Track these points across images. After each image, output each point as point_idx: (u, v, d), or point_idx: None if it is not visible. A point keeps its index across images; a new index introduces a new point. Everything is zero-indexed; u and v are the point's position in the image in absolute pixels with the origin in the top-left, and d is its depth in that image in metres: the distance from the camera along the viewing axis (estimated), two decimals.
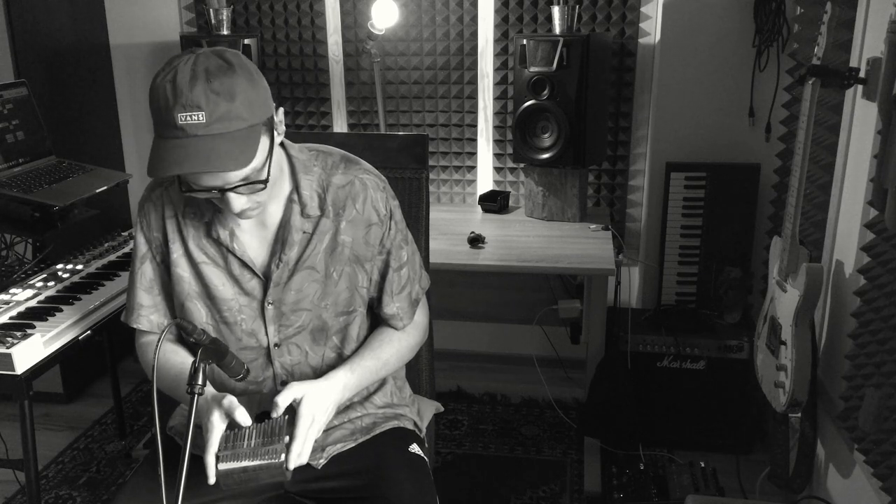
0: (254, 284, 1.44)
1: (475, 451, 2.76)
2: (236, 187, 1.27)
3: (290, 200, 1.43)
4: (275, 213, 1.43)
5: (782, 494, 2.33)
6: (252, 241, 1.44)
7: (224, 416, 1.31)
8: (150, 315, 1.50)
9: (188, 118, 1.19)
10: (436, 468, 1.81)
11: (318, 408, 1.35)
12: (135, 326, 1.51)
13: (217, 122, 1.20)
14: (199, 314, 1.46)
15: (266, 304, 1.44)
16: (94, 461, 2.73)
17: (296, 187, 1.42)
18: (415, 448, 1.56)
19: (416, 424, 1.64)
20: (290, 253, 1.42)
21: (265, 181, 1.29)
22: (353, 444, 1.52)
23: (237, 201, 1.30)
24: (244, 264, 1.43)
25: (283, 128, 1.36)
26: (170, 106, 1.19)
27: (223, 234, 1.42)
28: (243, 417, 1.30)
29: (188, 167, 1.21)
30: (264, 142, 1.28)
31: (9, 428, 2.58)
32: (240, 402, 1.32)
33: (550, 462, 2.68)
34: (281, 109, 1.35)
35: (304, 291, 1.44)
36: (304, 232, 1.43)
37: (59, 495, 2.54)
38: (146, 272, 1.49)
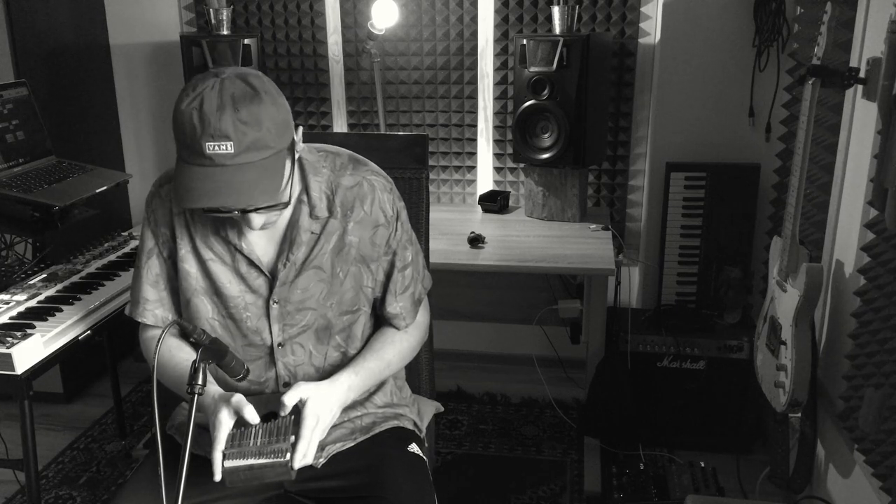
0: (260, 283, 1.45)
1: (475, 451, 2.76)
2: (258, 209, 1.30)
3: (299, 201, 1.43)
4: (284, 213, 1.43)
5: (782, 494, 2.33)
6: (260, 240, 1.45)
7: (232, 414, 1.31)
8: (155, 310, 1.51)
9: (216, 148, 1.20)
10: (436, 468, 1.81)
11: (322, 409, 1.36)
12: (140, 321, 1.52)
13: (245, 151, 1.22)
14: (206, 310, 1.46)
15: (271, 302, 1.44)
16: (94, 461, 2.73)
17: (305, 188, 1.43)
18: (414, 448, 1.56)
19: (415, 424, 1.64)
20: (297, 253, 1.43)
21: (287, 203, 1.33)
22: (352, 444, 1.52)
23: (258, 220, 1.33)
24: (251, 263, 1.44)
25: (302, 145, 1.39)
26: (197, 135, 1.20)
27: (231, 233, 1.43)
28: (252, 415, 1.31)
29: (220, 201, 1.23)
30: (287, 165, 1.31)
31: (9, 428, 2.58)
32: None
33: (550, 462, 2.68)
34: (300, 128, 1.37)
35: (310, 291, 1.45)
36: (313, 232, 1.44)
37: (59, 495, 2.55)
38: (152, 267, 1.49)
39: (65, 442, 2.85)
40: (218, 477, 1.27)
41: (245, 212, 1.30)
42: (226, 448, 1.29)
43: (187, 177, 1.23)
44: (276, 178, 1.27)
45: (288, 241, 1.44)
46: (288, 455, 1.29)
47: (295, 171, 1.41)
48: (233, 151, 1.21)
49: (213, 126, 1.20)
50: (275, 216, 1.37)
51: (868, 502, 1.86)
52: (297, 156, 1.37)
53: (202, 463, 1.30)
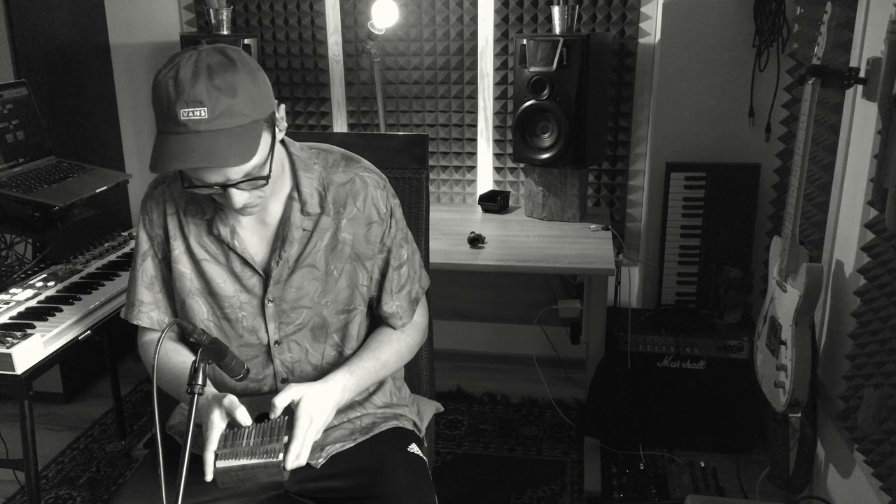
0: (254, 282, 1.45)
1: (475, 451, 2.76)
2: (238, 183, 1.28)
3: (290, 198, 1.43)
4: (275, 210, 1.43)
5: (782, 494, 2.33)
6: (253, 238, 1.45)
7: (225, 414, 1.31)
8: (150, 312, 1.50)
9: (190, 114, 1.20)
10: (436, 468, 1.81)
11: (316, 409, 1.36)
12: (135, 323, 1.52)
13: (219, 117, 1.20)
14: (201, 311, 1.46)
15: (266, 301, 1.44)
16: (94, 461, 2.73)
17: (296, 185, 1.43)
18: (414, 448, 1.56)
19: (415, 424, 1.64)
20: (290, 250, 1.43)
21: (266, 177, 1.30)
22: (352, 444, 1.52)
23: (239, 197, 1.31)
24: (245, 261, 1.44)
25: (285, 124, 1.37)
26: (172, 101, 1.20)
27: (224, 232, 1.42)
28: (243, 417, 1.30)
29: (190, 162, 1.21)
30: (266, 138, 1.29)
31: (9, 428, 2.58)
32: (241, 402, 1.32)
33: (550, 462, 2.68)
34: (282, 106, 1.36)
35: (305, 289, 1.45)
36: (304, 230, 1.43)
37: (59, 495, 2.55)
38: (147, 269, 1.49)
39: (65, 442, 2.85)
40: (210, 477, 1.27)
41: (225, 187, 1.28)
42: (218, 448, 1.29)
43: (162, 144, 1.22)
44: (251, 145, 1.25)
45: (280, 238, 1.43)
46: (280, 455, 1.28)
47: (284, 160, 1.41)
48: (206, 117, 1.20)
49: (187, 92, 1.19)
50: (257, 198, 1.34)
51: (868, 502, 1.86)
52: (279, 135, 1.35)
53: (201, 463, 1.30)
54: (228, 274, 1.45)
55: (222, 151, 1.22)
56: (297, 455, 1.31)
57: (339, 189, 1.45)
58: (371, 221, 1.47)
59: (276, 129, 1.33)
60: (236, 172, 1.26)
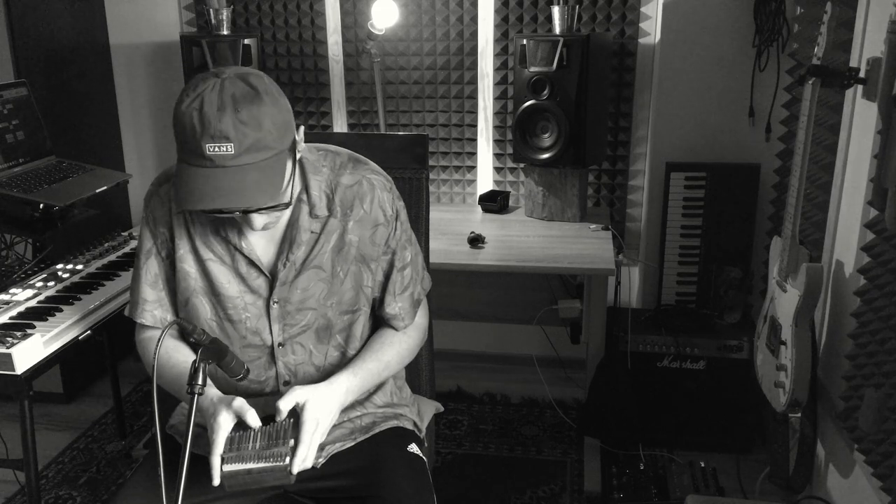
0: (260, 283, 1.45)
1: (475, 451, 2.76)
2: (260, 209, 1.30)
3: (299, 200, 1.43)
4: (284, 212, 1.43)
5: (782, 494, 2.34)
6: (260, 240, 1.45)
7: (232, 417, 1.31)
8: (153, 310, 1.50)
9: (216, 149, 1.20)
10: (436, 468, 1.81)
11: (321, 412, 1.36)
12: (138, 321, 1.51)
13: (245, 152, 1.21)
14: (204, 310, 1.46)
15: (271, 302, 1.44)
16: (94, 461, 2.73)
17: (305, 187, 1.43)
18: (413, 448, 1.56)
19: (415, 424, 1.64)
20: (297, 252, 1.43)
21: (288, 203, 1.32)
22: (352, 444, 1.52)
23: (259, 220, 1.33)
24: (251, 262, 1.44)
25: (304, 145, 1.38)
26: (197, 135, 1.20)
27: (232, 233, 1.43)
28: (254, 419, 1.31)
29: (221, 203, 1.23)
30: (289, 165, 1.30)
31: (9, 428, 2.58)
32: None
33: (550, 462, 2.68)
34: (301, 128, 1.37)
35: (310, 290, 1.45)
36: (312, 232, 1.44)
37: (59, 495, 2.55)
38: (151, 267, 1.49)
39: (65, 442, 2.85)
40: (217, 481, 1.27)
41: (247, 212, 1.30)
42: (224, 452, 1.29)
43: (188, 178, 1.23)
44: (277, 179, 1.27)
45: (288, 240, 1.44)
46: (287, 459, 1.28)
47: (296, 171, 1.42)
48: (233, 153, 1.21)
49: (213, 127, 1.19)
50: (276, 216, 1.37)
51: (868, 502, 1.86)
52: (298, 156, 1.36)
53: (202, 463, 1.30)
54: (233, 274, 1.45)
55: (250, 189, 1.23)
56: (304, 458, 1.31)
57: (346, 191, 1.45)
58: (377, 224, 1.47)
59: (297, 152, 1.35)
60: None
